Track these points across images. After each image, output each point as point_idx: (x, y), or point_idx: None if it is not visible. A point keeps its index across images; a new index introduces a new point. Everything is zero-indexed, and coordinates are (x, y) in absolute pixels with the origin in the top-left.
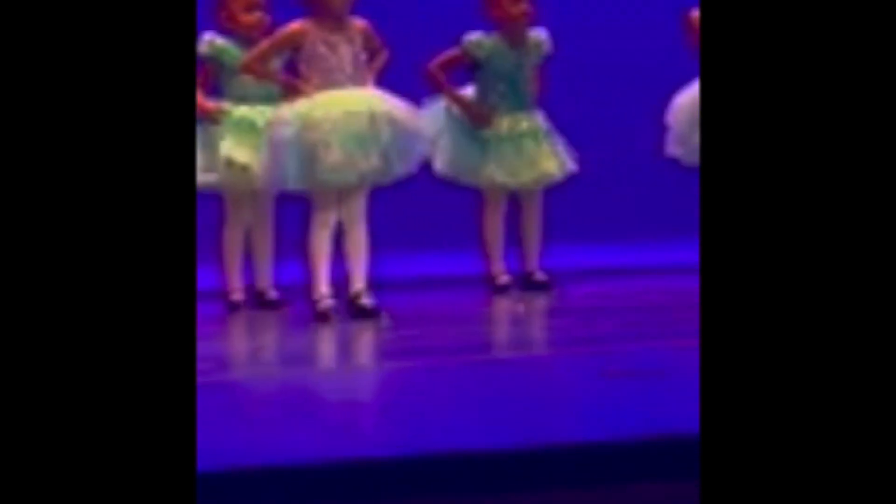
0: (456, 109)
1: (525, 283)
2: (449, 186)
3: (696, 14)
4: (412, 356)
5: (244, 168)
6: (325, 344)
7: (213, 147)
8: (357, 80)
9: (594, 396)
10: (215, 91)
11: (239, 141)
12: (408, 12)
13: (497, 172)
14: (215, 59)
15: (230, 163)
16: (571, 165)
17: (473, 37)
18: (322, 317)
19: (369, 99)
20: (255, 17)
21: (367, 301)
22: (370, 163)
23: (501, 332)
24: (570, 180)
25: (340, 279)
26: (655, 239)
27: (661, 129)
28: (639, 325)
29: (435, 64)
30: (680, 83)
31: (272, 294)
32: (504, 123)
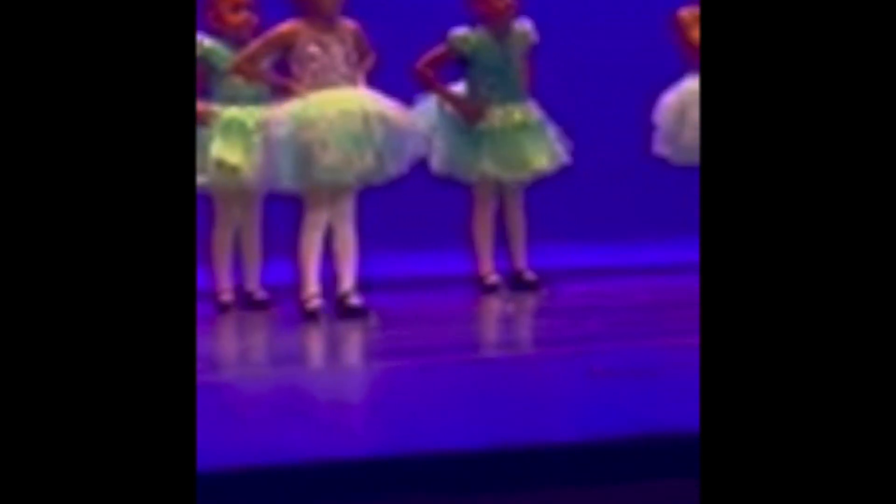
0: (448, 107)
1: (514, 283)
2: (438, 186)
3: (683, 13)
4: (401, 356)
5: (235, 169)
6: (314, 344)
7: (202, 148)
8: (349, 80)
9: (583, 396)
10: (205, 92)
11: (229, 142)
12: (395, 12)
13: (491, 166)
14: (205, 61)
15: (221, 164)
16: (564, 157)
17: (459, 32)
18: (310, 317)
19: (362, 99)
20: (243, 17)
21: (355, 301)
22: (365, 162)
23: (490, 332)
24: (559, 180)
25: (328, 279)
26: (644, 238)
27: (648, 128)
28: (627, 325)
29: (423, 62)
30: (667, 82)
31: (261, 294)
32: (496, 116)
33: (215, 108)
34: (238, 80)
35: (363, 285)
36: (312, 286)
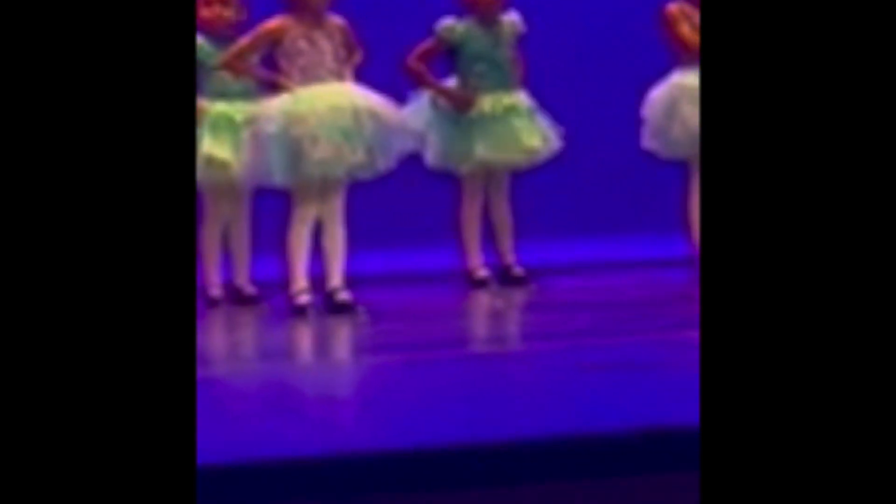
0: (441, 100)
1: (503, 278)
2: (426, 182)
3: (672, 8)
4: (390, 351)
5: (224, 164)
6: (303, 339)
7: None
8: (337, 76)
9: (572, 390)
10: None
11: (218, 138)
12: (383, 8)
13: (485, 150)
14: None
15: (210, 159)
16: (556, 142)
17: (446, 22)
18: (299, 312)
19: (351, 94)
20: (214, 11)
21: (344, 296)
22: (356, 157)
23: (480, 327)
24: (548, 174)
25: (318, 275)
26: (632, 233)
27: (637, 122)
28: (617, 319)
29: (413, 56)
30: (657, 77)
31: (250, 290)
32: (487, 103)
33: (204, 103)
34: (226, 76)
35: (352, 281)
36: (301, 281)
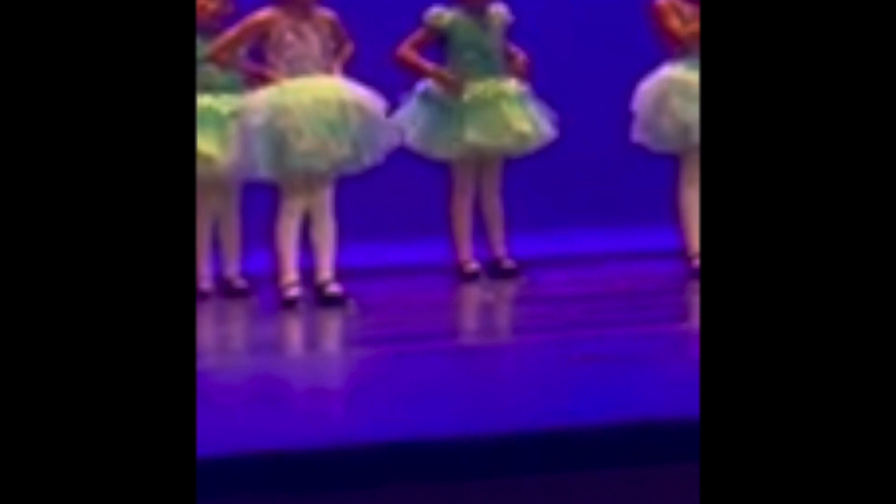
0: (433, 87)
1: (493, 271)
2: (417, 174)
3: (661, 1)
4: (380, 344)
5: (208, 159)
6: (293, 332)
7: None
8: (324, 69)
9: (563, 382)
10: None
11: (204, 131)
12: (372, 2)
13: (475, 133)
14: None
15: (196, 154)
16: (548, 130)
17: (434, 10)
18: (289, 305)
19: (338, 87)
20: (199, 2)
21: (334, 289)
22: (341, 150)
23: (470, 320)
24: (538, 166)
25: (308, 268)
26: (623, 225)
27: (628, 115)
28: (607, 311)
29: (403, 46)
30: (647, 70)
31: (240, 283)
32: (477, 89)
33: None
34: (212, 69)
35: (342, 273)
36: (291, 274)
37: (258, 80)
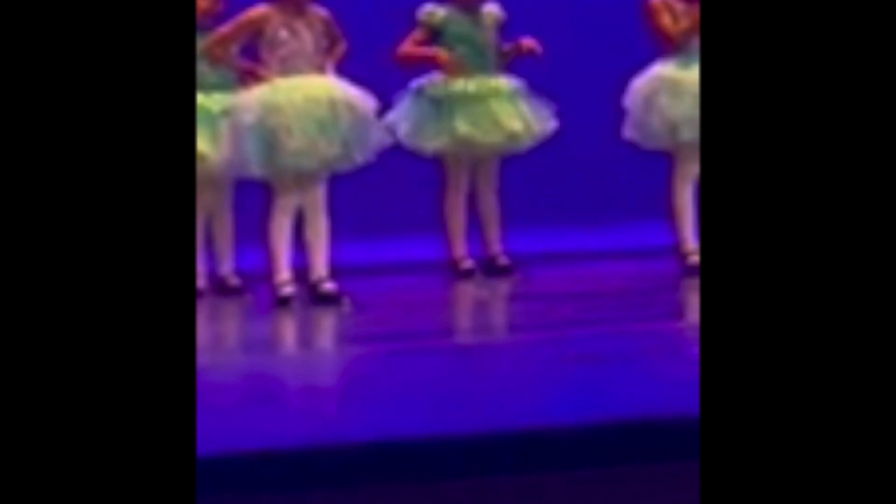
0: (426, 82)
1: (488, 268)
2: (411, 171)
3: None
4: (374, 342)
5: (201, 156)
6: (287, 330)
7: None
8: (317, 67)
9: (557, 380)
10: None
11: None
12: (365, 2)
13: (465, 127)
14: None
15: None
16: (540, 127)
17: (427, 7)
18: (283, 303)
19: (329, 86)
20: None
21: (328, 287)
22: (332, 149)
23: (465, 318)
24: (532, 163)
25: (302, 266)
26: (616, 222)
27: (621, 112)
28: (602, 309)
29: (404, 45)
30: (639, 67)
31: (234, 281)
32: (470, 84)
33: None
34: (203, 67)
35: (337, 271)
36: (284, 272)
37: (251, 77)
